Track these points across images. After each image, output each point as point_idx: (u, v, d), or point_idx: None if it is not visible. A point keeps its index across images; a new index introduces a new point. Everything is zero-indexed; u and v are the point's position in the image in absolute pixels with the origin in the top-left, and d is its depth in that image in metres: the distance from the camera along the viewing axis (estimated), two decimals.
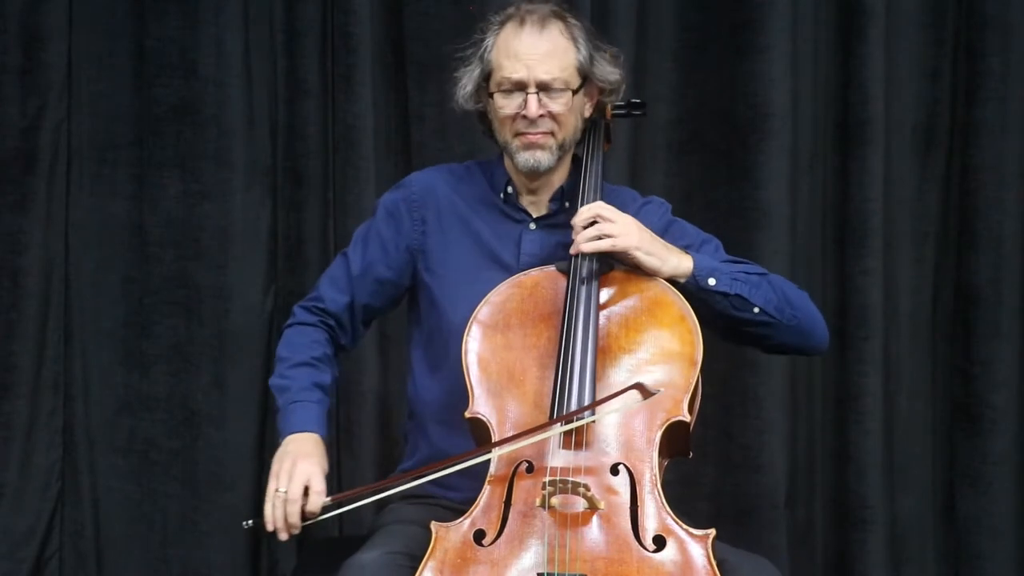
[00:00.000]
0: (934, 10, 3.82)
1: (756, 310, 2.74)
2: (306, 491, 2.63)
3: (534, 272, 2.76)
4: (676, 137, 3.82)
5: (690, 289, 2.72)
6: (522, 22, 2.78)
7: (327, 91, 3.78)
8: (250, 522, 2.66)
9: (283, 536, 2.63)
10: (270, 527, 2.62)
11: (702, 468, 3.79)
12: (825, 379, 3.84)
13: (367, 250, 2.90)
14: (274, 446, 3.79)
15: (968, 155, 3.82)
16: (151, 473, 3.84)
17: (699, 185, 3.82)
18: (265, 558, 3.86)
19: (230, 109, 3.80)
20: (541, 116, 2.77)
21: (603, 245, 2.70)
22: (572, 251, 2.72)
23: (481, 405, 2.63)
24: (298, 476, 2.63)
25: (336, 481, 3.79)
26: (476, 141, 3.61)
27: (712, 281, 2.72)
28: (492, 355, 2.67)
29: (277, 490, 2.62)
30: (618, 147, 3.75)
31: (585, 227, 2.72)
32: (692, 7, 3.80)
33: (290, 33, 3.80)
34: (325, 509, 2.62)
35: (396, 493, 2.67)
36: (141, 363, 3.84)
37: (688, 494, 3.71)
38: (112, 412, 3.85)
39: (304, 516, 2.62)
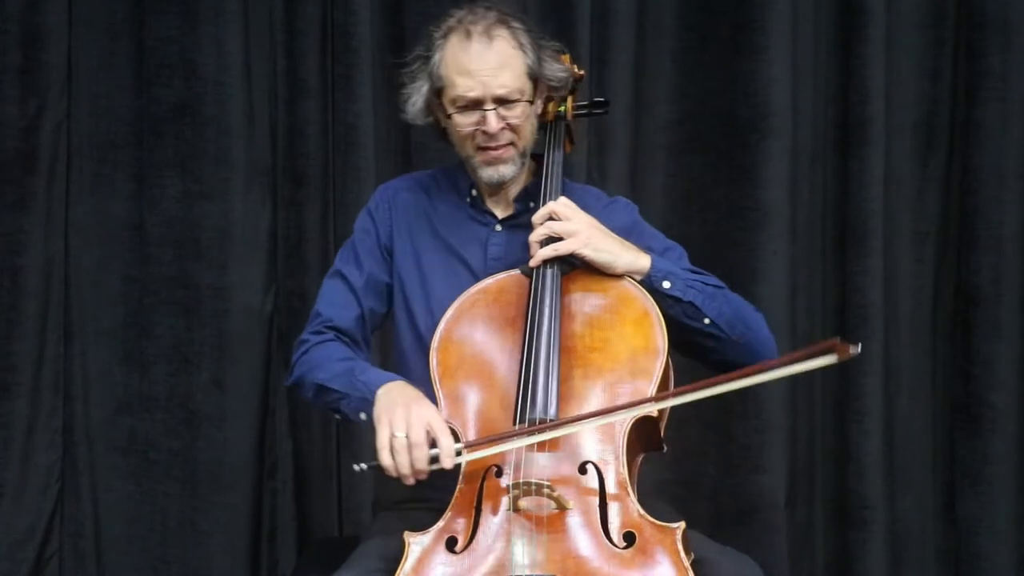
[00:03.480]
0: (934, 10, 3.82)
1: (707, 321, 2.74)
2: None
3: (500, 277, 2.77)
4: (676, 137, 3.82)
5: (644, 289, 2.72)
6: (468, 35, 2.77)
7: (327, 91, 3.78)
8: (364, 465, 2.55)
9: (411, 481, 2.54)
10: (394, 473, 2.53)
11: (702, 468, 3.79)
12: (825, 379, 3.84)
13: (360, 261, 2.90)
14: (274, 446, 3.85)
15: (968, 155, 3.82)
16: (151, 473, 3.85)
17: (699, 185, 3.82)
18: (265, 558, 3.86)
19: (230, 109, 3.80)
20: (501, 129, 2.78)
21: (546, 253, 2.71)
22: (532, 264, 2.72)
23: (449, 412, 2.63)
24: (416, 421, 2.54)
25: (336, 481, 3.80)
26: None
27: (667, 284, 2.72)
28: (459, 361, 2.68)
29: (395, 435, 2.53)
30: (619, 147, 3.76)
31: (540, 225, 2.74)
32: (692, 7, 3.80)
33: (290, 33, 3.80)
34: (457, 453, 2.53)
35: (525, 444, 2.56)
36: (141, 363, 3.84)
37: (688, 494, 3.71)
38: (112, 412, 3.85)
39: (433, 460, 2.53)
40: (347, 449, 3.78)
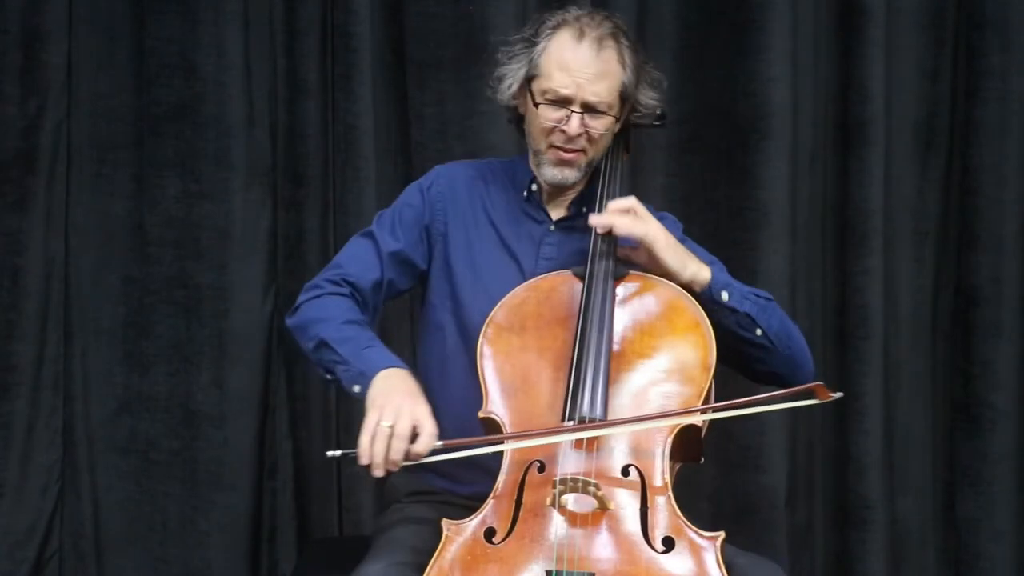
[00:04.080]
0: (934, 10, 3.82)
1: (759, 332, 2.75)
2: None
3: (551, 276, 2.77)
4: (676, 137, 3.82)
5: (702, 300, 2.72)
6: (580, 35, 2.75)
7: (327, 91, 3.78)
8: (337, 452, 2.53)
9: (379, 472, 2.50)
10: (366, 461, 2.50)
11: (702, 468, 3.78)
12: (825, 379, 3.80)
13: (395, 232, 2.86)
14: (274, 446, 3.85)
15: (968, 155, 3.82)
16: (151, 473, 3.84)
17: (699, 185, 3.82)
18: (265, 558, 3.86)
19: (230, 109, 3.80)
20: (579, 135, 2.77)
21: (636, 231, 2.69)
22: (594, 221, 2.72)
23: (495, 405, 2.63)
24: (406, 414, 2.50)
25: (336, 481, 3.80)
26: (476, 141, 3.64)
27: (725, 296, 2.73)
28: (507, 357, 2.67)
29: (381, 423, 2.50)
30: None
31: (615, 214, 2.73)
32: (692, 7, 3.80)
33: (290, 33, 3.80)
34: (433, 451, 2.51)
35: (506, 448, 2.58)
36: (141, 363, 3.84)
37: (688, 494, 3.69)
38: (112, 412, 3.85)
39: (407, 456, 2.50)
40: (346, 447, 3.75)
